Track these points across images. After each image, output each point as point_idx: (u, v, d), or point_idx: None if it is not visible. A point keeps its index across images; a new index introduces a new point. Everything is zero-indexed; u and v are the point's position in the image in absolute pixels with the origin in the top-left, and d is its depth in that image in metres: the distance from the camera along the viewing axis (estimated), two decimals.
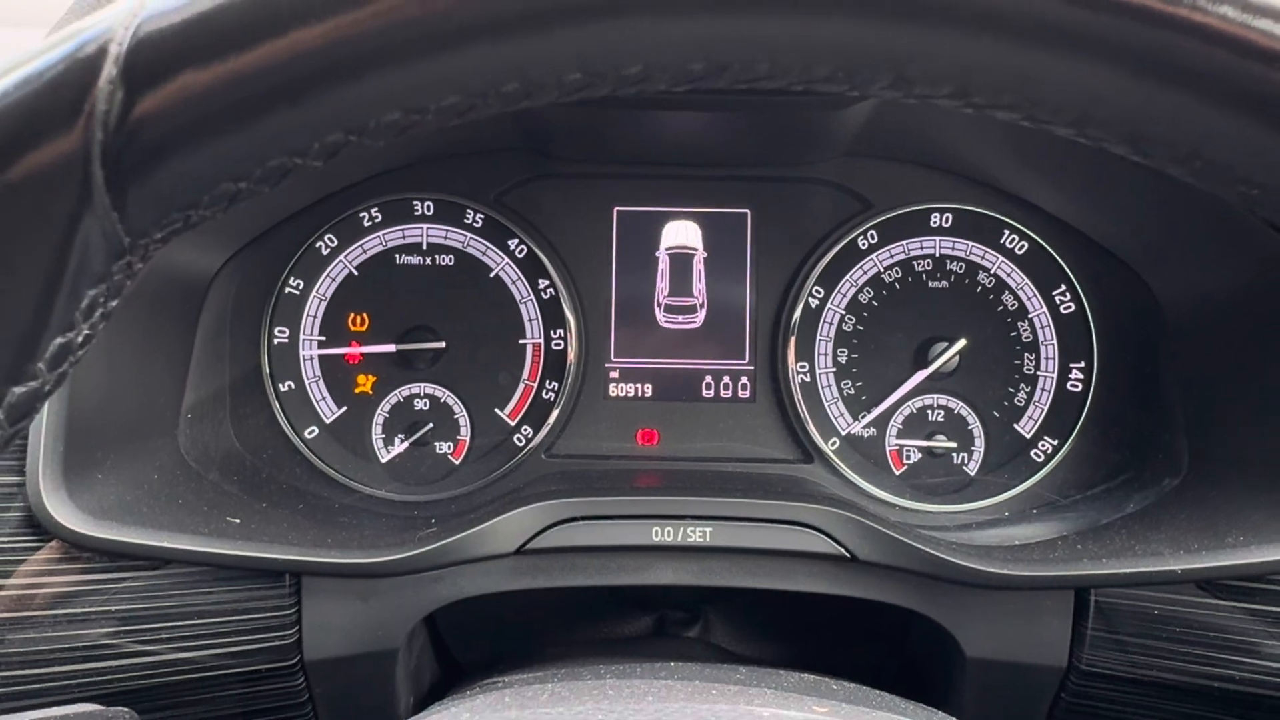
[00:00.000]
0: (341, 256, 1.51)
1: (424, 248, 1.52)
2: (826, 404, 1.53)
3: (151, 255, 0.49)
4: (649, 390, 1.54)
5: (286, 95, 0.44)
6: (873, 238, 1.52)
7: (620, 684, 0.77)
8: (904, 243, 1.52)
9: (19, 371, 0.47)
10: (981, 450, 1.52)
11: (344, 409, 1.52)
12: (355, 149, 0.48)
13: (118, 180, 0.44)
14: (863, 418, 1.53)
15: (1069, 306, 1.50)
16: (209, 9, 0.43)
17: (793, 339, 1.52)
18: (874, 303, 1.53)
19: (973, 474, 1.52)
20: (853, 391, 1.53)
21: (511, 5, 0.43)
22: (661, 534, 1.23)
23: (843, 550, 1.21)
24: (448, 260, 1.53)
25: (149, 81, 0.43)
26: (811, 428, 1.51)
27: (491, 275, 1.53)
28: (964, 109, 0.49)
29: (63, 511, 1.08)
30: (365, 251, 1.52)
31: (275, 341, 1.51)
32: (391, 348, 1.51)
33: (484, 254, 1.53)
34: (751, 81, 0.48)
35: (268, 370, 1.50)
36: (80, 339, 0.48)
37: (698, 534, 1.23)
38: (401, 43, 0.43)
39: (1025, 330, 1.51)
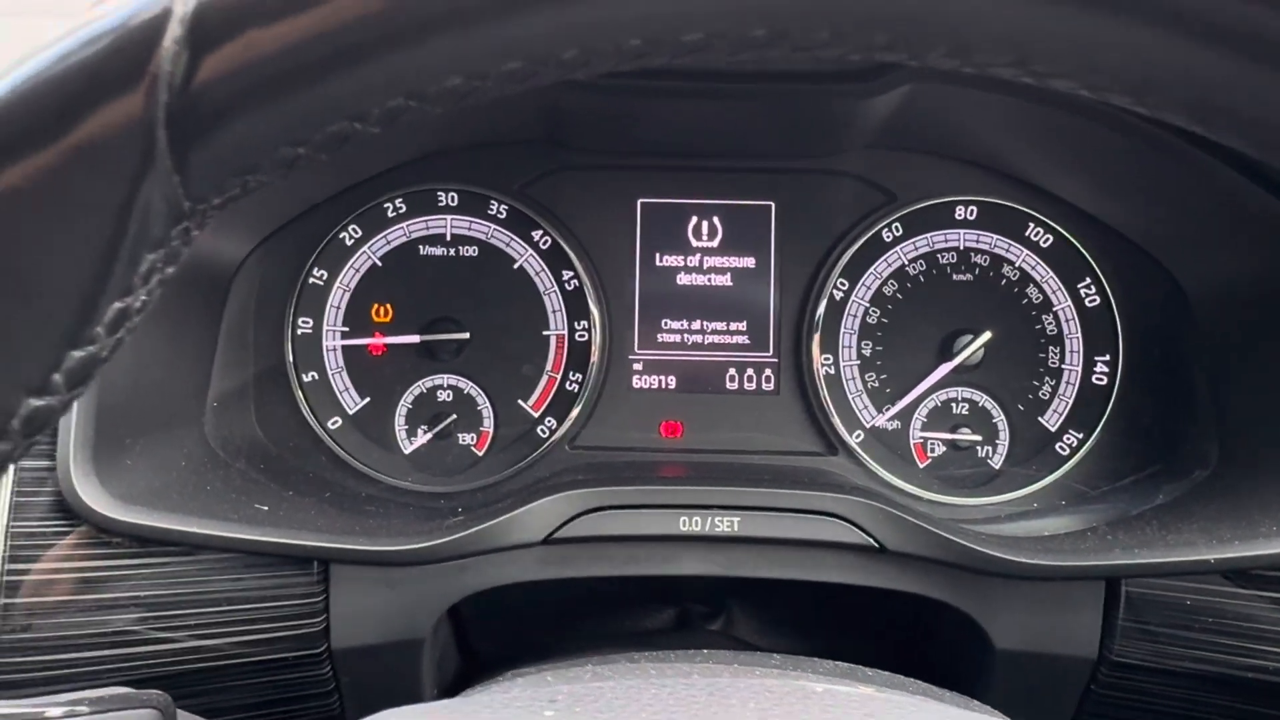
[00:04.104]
0: (365, 247, 1.51)
1: (448, 239, 1.52)
2: (851, 396, 1.52)
3: (208, 223, 0.49)
4: (672, 382, 1.54)
5: (351, 57, 0.43)
6: (897, 230, 1.52)
7: (662, 665, 0.77)
8: (928, 235, 1.52)
9: (78, 336, 0.46)
10: (1006, 443, 1.51)
11: (367, 400, 1.52)
12: (415, 114, 0.47)
13: (181, 143, 0.43)
14: (887, 410, 1.52)
15: (1094, 299, 1.50)
16: None
17: (817, 332, 1.51)
18: (898, 295, 1.52)
19: (998, 467, 1.51)
20: (877, 384, 1.52)
21: None
22: (689, 524, 1.22)
23: (871, 540, 1.21)
24: (471, 251, 1.52)
25: (214, 42, 0.42)
26: (836, 420, 1.51)
27: (515, 266, 1.52)
28: (1023, 78, 0.49)
29: (93, 496, 1.08)
30: (389, 242, 1.52)
31: (299, 332, 1.51)
32: (415, 338, 1.51)
33: (508, 245, 1.52)
34: (811, 49, 0.47)
35: (291, 360, 1.50)
36: (138, 305, 0.48)
37: (725, 524, 1.22)
38: (467, 6, 0.43)
39: (1050, 323, 1.51)
